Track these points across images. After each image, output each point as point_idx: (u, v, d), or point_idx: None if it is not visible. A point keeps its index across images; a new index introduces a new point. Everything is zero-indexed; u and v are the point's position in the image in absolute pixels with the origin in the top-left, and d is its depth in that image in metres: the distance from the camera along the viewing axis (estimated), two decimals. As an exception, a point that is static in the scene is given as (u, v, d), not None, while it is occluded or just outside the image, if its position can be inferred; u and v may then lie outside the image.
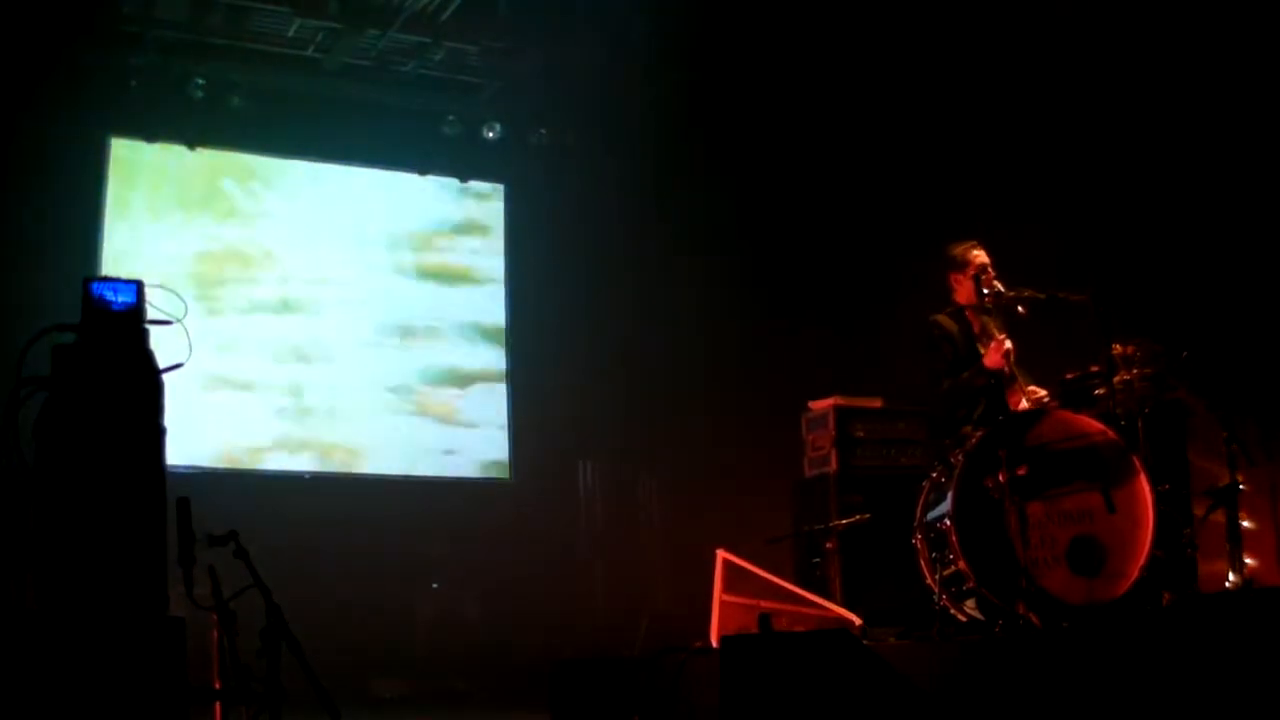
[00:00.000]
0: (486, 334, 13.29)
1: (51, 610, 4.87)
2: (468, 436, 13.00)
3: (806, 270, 11.90)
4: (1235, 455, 7.94)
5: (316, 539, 11.01)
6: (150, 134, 12.06)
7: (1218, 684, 5.04)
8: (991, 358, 7.21)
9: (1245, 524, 8.23)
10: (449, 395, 12.99)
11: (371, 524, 11.62)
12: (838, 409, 9.12)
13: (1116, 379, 7.21)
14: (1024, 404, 7.21)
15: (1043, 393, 7.27)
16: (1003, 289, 7.17)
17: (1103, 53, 10.02)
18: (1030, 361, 7.51)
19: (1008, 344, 7.19)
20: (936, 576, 6.68)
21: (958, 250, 7.60)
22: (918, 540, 6.99)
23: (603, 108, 12.72)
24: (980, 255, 7.52)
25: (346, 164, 12.95)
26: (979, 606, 6.67)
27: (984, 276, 7.32)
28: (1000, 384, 7.30)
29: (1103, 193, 10.40)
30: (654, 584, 12.43)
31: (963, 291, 7.57)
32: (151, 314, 5.28)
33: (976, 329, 7.46)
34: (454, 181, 13.40)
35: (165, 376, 5.25)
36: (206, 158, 12.30)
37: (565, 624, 11.88)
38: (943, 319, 7.60)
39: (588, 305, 13.11)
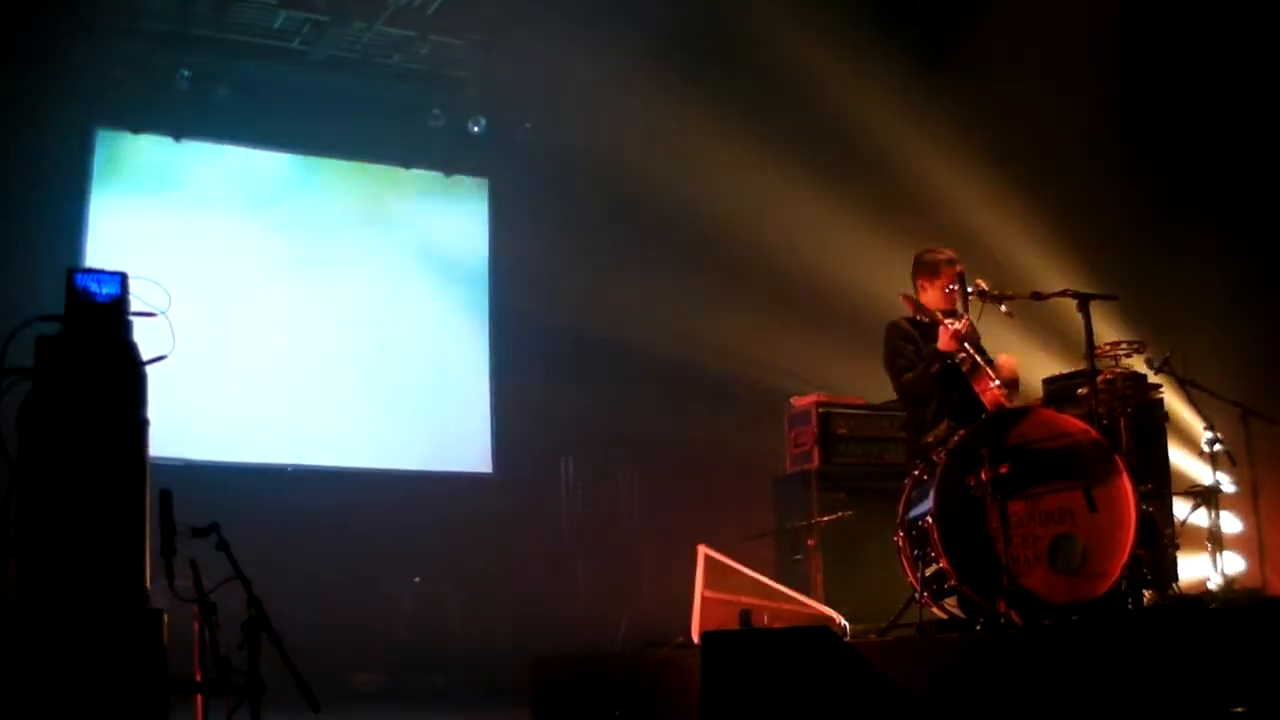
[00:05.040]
0: (469, 327, 13.28)
1: (32, 601, 4.86)
2: (450, 431, 13.00)
3: (790, 267, 11.90)
4: (1217, 455, 7.99)
5: (298, 532, 10.98)
6: (136, 125, 12.02)
7: (1197, 682, 5.07)
8: (943, 341, 7.12)
9: (1226, 525, 8.29)
10: (431, 388, 12.97)
11: (353, 518, 11.60)
12: (820, 406, 9.13)
13: (1099, 378, 7.21)
14: (989, 389, 7.02)
15: (1002, 389, 7.10)
16: (986, 288, 7.08)
17: (1082, 52, 10.08)
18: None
19: (957, 326, 7.08)
20: (918, 574, 6.68)
21: (930, 256, 7.51)
22: (899, 538, 6.98)
23: (588, 104, 12.70)
24: (956, 261, 7.43)
25: (331, 156, 12.92)
26: (960, 604, 6.68)
27: (966, 275, 7.21)
28: (960, 372, 7.16)
29: (1089, 193, 10.44)
30: (635, 579, 12.43)
31: (929, 296, 7.45)
32: (135, 306, 5.28)
33: (928, 321, 7.30)
34: (439, 175, 13.40)
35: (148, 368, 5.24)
36: (192, 149, 12.26)
37: (547, 619, 11.84)
38: (903, 323, 7.52)
39: (571, 300, 13.08)
